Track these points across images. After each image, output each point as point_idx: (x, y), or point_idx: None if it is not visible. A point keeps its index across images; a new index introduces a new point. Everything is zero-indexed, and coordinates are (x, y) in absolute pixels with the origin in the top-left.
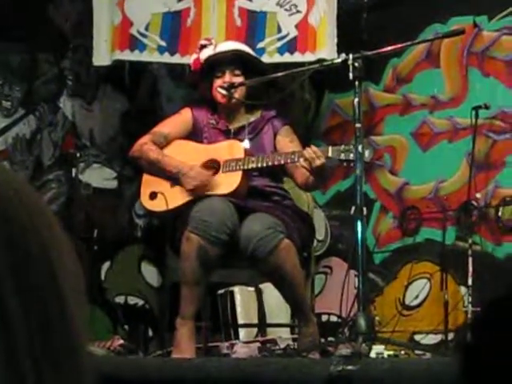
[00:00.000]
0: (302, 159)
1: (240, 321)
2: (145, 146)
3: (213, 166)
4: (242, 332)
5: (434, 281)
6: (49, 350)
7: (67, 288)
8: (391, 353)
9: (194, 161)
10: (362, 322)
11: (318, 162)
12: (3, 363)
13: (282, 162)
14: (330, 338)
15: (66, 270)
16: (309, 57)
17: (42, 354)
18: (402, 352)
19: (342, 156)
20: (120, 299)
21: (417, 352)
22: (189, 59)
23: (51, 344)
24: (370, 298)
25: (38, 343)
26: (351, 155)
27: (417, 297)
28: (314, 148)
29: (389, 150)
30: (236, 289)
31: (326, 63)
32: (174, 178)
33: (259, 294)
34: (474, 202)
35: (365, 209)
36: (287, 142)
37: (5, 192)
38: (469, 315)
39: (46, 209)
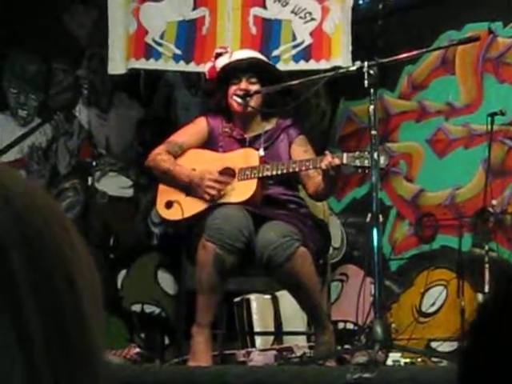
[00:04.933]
0: (321, 164)
1: (256, 329)
2: (158, 156)
3: (228, 174)
4: (258, 340)
5: (450, 288)
6: (66, 359)
7: (85, 294)
8: (408, 360)
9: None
10: (378, 329)
11: (332, 168)
12: (22, 373)
13: (297, 169)
14: (346, 346)
15: (84, 275)
16: (324, 64)
17: (59, 362)
18: (419, 359)
19: (357, 162)
20: (136, 307)
21: (433, 359)
22: (204, 68)
23: (68, 352)
24: (386, 305)
25: (56, 351)
26: (366, 162)
27: (433, 304)
28: (328, 155)
29: (404, 157)
30: (252, 297)
31: (341, 71)
32: (188, 188)
33: (275, 301)
34: (490, 209)
35: (381, 216)
36: (301, 151)
37: (19, 197)
38: None
39: (62, 213)
